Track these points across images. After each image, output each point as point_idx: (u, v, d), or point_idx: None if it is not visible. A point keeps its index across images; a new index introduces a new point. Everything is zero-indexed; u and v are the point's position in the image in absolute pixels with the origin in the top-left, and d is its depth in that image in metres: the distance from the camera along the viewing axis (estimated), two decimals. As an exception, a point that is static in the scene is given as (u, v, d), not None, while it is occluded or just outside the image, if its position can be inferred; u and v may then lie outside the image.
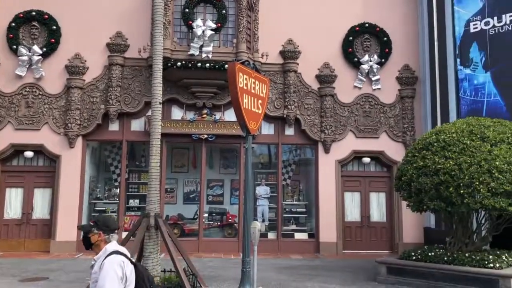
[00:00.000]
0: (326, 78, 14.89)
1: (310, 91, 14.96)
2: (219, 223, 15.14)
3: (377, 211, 15.02)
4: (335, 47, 15.27)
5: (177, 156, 16.09)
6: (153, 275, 7.47)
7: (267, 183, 15.30)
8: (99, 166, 15.69)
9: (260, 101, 8.41)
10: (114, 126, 14.46)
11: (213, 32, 13.73)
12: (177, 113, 14.62)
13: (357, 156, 15.03)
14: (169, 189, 15.41)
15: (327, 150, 14.75)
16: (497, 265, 8.67)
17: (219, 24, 13.91)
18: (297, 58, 14.83)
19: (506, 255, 9.34)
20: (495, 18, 13.28)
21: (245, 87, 7.86)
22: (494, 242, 10.94)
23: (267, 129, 14.99)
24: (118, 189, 14.50)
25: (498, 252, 9.47)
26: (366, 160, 15.00)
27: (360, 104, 15.10)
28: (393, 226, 14.74)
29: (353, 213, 14.98)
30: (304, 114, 14.85)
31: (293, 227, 15.01)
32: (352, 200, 15.02)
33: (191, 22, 13.76)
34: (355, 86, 15.18)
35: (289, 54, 14.77)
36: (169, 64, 13.46)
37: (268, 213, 15.13)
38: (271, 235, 14.73)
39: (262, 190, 15.15)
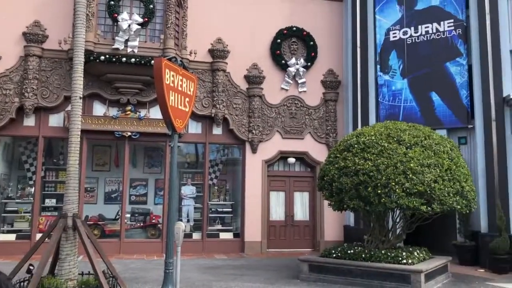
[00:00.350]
0: (254, 78, 15.02)
1: (239, 91, 15.01)
2: (142, 224, 14.71)
3: (301, 210, 15.41)
4: (264, 48, 15.45)
5: (98, 154, 15.41)
6: (69, 278, 7.08)
7: (193, 182, 15.13)
8: (12, 164, 14.60)
9: (187, 99, 8.26)
10: (29, 121, 13.54)
11: (140, 27, 13.33)
12: (99, 109, 14.00)
13: (283, 156, 15.32)
14: (89, 189, 14.71)
15: (254, 150, 14.88)
16: (410, 261, 9.20)
17: (146, 19, 13.53)
18: (226, 58, 14.81)
19: (418, 251, 9.95)
20: (412, 28, 14.15)
21: (171, 84, 7.68)
22: (407, 239, 11.64)
23: (195, 128, 14.82)
24: (33, 188, 13.59)
25: (410, 249, 10.06)
26: (291, 160, 15.34)
27: (287, 106, 15.41)
28: (315, 224, 15.20)
29: (277, 212, 15.24)
30: (232, 113, 14.86)
31: (219, 227, 14.97)
32: (277, 200, 15.29)
33: (116, 15, 13.24)
34: (282, 88, 15.46)
35: (218, 53, 14.71)
36: (92, 58, 12.87)
37: (194, 213, 14.96)
38: (196, 236, 14.58)
39: (188, 190, 14.95)
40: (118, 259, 12.23)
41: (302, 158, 15.49)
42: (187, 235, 14.00)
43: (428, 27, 13.88)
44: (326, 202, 12.65)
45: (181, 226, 7.68)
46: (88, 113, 13.65)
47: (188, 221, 14.77)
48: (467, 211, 9.92)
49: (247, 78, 15.08)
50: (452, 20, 13.53)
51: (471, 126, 12.93)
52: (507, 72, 12.41)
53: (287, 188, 15.38)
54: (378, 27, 14.83)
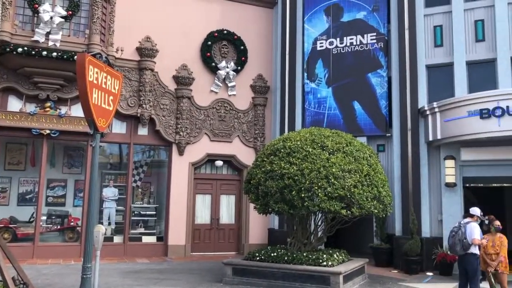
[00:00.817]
0: (183, 79, 14.83)
1: (167, 91, 14.74)
2: (59, 227, 13.92)
3: (227, 213, 15.42)
4: (194, 50, 15.32)
5: (12, 152, 14.36)
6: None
7: (116, 184, 14.59)
8: None
9: (111, 98, 7.96)
10: None
11: (63, 20, 12.66)
12: (15, 104, 13.08)
13: (210, 159, 15.25)
14: (0, 189, 13.69)
15: (181, 152, 14.67)
16: (330, 263, 9.52)
17: (70, 12, 12.89)
18: (154, 57, 14.48)
19: (337, 253, 10.33)
20: (338, 39, 14.73)
21: (95, 81, 7.36)
22: (328, 242, 12.06)
23: (119, 128, 14.33)
24: None
25: (331, 251, 10.42)
26: (219, 163, 15.31)
27: (216, 109, 15.38)
28: (240, 227, 15.28)
29: (203, 216, 15.13)
30: (159, 114, 14.56)
31: (142, 230, 14.56)
32: (203, 203, 15.18)
33: (37, 5, 12.49)
34: (212, 91, 15.41)
35: (147, 51, 14.35)
36: (8, 49, 12.04)
37: (116, 216, 14.42)
38: (117, 239, 14.06)
39: (110, 192, 14.39)
40: (31, 264, 11.48)
41: (230, 161, 15.52)
42: (108, 239, 13.48)
43: (352, 39, 14.53)
44: (251, 205, 12.77)
45: (101, 229, 7.38)
46: (2, 108, 12.73)
47: (109, 224, 14.21)
48: (384, 215, 10.45)
49: (176, 78, 14.85)
50: (374, 34, 14.28)
51: (389, 134, 13.69)
52: (423, 85, 13.31)
53: (213, 191, 15.33)
54: (306, 36, 15.27)
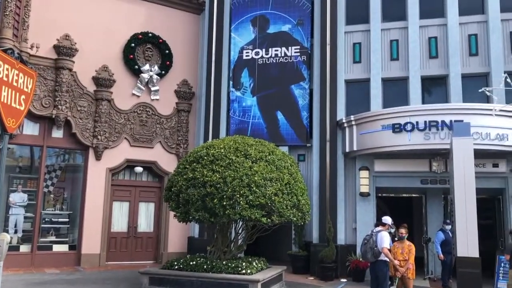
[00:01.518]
0: (104, 81, 14.24)
1: (85, 92, 14.07)
2: (-43, 235, 12.65)
3: (145, 221, 14.97)
4: (116, 51, 14.79)
5: None
6: None
7: (25, 189, 13.57)
8: None
9: (23, 97, 7.44)
10: None
11: (-30, 9, 11.66)
12: None
13: (130, 165, 14.75)
14: None
15: (98, 157, 14.04)
16: (249, 271, 9.55)
17: (-21, 1, 11.91)
18: (73, 56, 13.77)
19: (257, 261, 10.40)
20: (264, 50, 14.98)
21: (5, 78, 6.85)
22: (248, 250, 12.12)
23: (31, 129, 13.41)
24: None
25: (250, 259, 10.47)
26: (139, 169, 14.86)
27: (138, 113, 14.94)
28: (159, 236, 14.90)
29: (120, 223, 14.56)
30: (76, 116, 13.84)
31: (53, 238, 13.67)
32: (121, 210, 14.61)
33: None
34: (134, 94, 14.96)
35: (65, 50, 13.61)
36: None
37: (24, 223, 13.41)
38: (25, 248, 13.08)
39: (18, 197, 13.36)
40: None
41: (151, 167, 15.12)
42: (14, 248, 12.49)
43: (277, 50, 14.85)
44: (171, 213, 12.50)
45: (6, 238, 6.83)
46: None
47: (16, 232, 13.19)
48: (302, 223, 10.71)
49: (95, 80, 14.23)
50: (298, 47, 14.71)
51: (310, 145, 14.13)
52: (342, 99, 13.92)
53: (132, 198, 14.82)
54: (233, 45, 15.37)
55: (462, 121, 11.01)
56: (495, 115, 9.51)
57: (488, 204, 13.68)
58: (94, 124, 14.05)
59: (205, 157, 10.02)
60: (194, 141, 15.57)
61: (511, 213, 12.07)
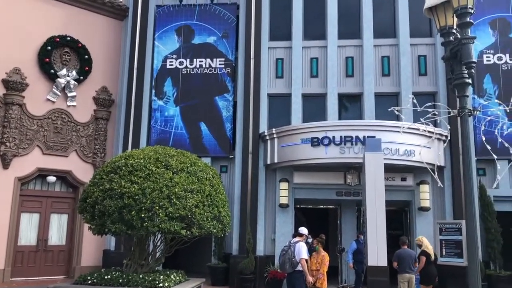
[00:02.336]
0: (15, 84, 13.37)
1: (-7, 96, 13.12)
2: None
3: (57, 234, 14.14)
4: (31, 53, 13.97)
5: None
6: None
7: None
8: None
9: None
10: None
11: None
12: None
13: (42, 174, 13.89)
14: None
15: (6, 165, 13.09)
16: (166, 284, 9.33)
17: None
18: (-20, 56, 12.80)
19: (175, 274, 10.19)
20: (188, 60, 14.92)
21: None
22: (167, 262, 11.87)
23: None
24: None
25: (168, 272, 10.23)
26: (52, 179, 14.04)
27: (52, 119, 14.16)
28: (72, 249, 14.13)
29: (28, 236, 13.62)
30: (-19, 121, 12.84)
31: (-51, 253, 12.48)
32: (30, 222, 13.68)
33: None
34: (49, 99, 14.19)
35: (-29, 49, 12.62)
36: None
37: None
38: None
39: None
40: None
41: (65, 177, 14.34)
42: None
43: (202, 61, 14.86)
44: (86, 225, 11.93)
45: None
46: None
47: None
48: (222, 235, 10.70)
49: (5, 83, 13.31)
50: (223, 59, 14.83)
51: (232, 156, 14.24)
52: (264, 112, 14.23)
53: (43, 209, 13.94)
54: (156, 53, 15.15)
55: (374, 137, 11.71)
56: (403, 132, 10.24)
57: (397, 216, 14.60)
58: (2, 129, 13.11)
59: (123, 168, 9.69)
60: (112, 151, 15.03)
61: (417, 224, 12.98)
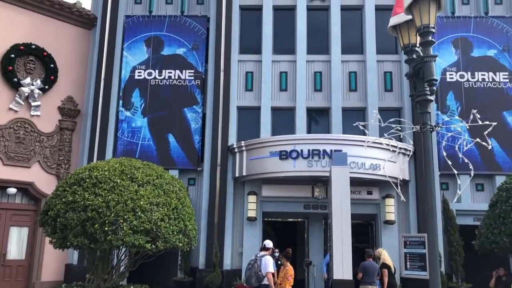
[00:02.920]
0: (-25, 92, 12.93)
1: (-49, 104, 12.63)
2: None
3: (17, 248, 13.62)
4: (-7, 61, 13.56)
5: None
6: None
7: None
8: None
9: None
10: None
11: None
12: None
13: (1, 185, 13.40)
14: None
15: (-37, 176, 12.59)
16: (130, 299, 9.14)
17: None
18: None
19: (139, 288, 10.01)
20: (157, 71, 14.80)
21: None
22: (131, 277, 11.61)
23: None
24: None
25: (132, 287, 10.03)
26: (12, 190, 13.55)
27: (14, 129, 13.74)
28: (32, 264, 13.63)
29: (-14, 251, 13.09)
30: None
31: None
32: (-13, 236, 13.16)
33: None
34: (11, 109, 13.77)
35: None
36: None
37: None
38: None
39: None
40: None
41: (26, 189, 13.88)
42: None
43: (171, 72, 14.77)
44: (48, 239, 11.56)
45: None
46: None
47: None
48: (188, 249, 10.56)
49: (-35, 90, 12.87)
50: (193, 71, 14.79)
51: (200, 169, 14.13)
52: (233, 124, 14.23)
53: (2, 222, 13.40)
54: (125, 64, 14.96)
55: (341, 151, 11.86)
56: (367, 146, 10.43)
57: (363, 229, 14.77)
58: (-40, 139, 12.63)
59: (87, 180, 9.47)
60: (77, 162, 14.66)
61: (383, 237, 13.16)
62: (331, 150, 12.25)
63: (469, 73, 14.42)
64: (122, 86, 14.81)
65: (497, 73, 14.36)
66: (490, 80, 14.33)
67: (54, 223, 9.36)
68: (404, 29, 6.58)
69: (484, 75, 14.37)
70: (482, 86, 14.30)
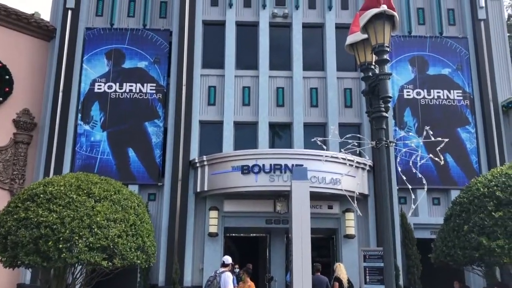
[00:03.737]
0: None
1: None
2: None
3: (-35, 268, 12.93)
4: None
5: None
6: None
7: None
8: None
9: None
10: None
11: None
12: None
13: (-51, 201, 12.76)
14: None
15: None
16: (85, 319, 8.83)
17: None
18: None
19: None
20: (117, 84, 14.53)
21: None
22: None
23: None
24: None
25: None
26: (-39, 207, 12.91)
27: (-35, 142, 13.16)
28: (-18, 284, 12.98)
29: None
30: None
31: None
32: None
33: None
34: (-38, 121, 13.20)
35: None
36: None
37: None
38: None
39: None
40: None
41: (-24, 204, 13.26)
42: None
43: (132, 86, 14.56)
44: None
45: None
46: None
47: None
48: (146, 266, 10.35)
49: None
50: (154, 84, 14.64)
51: (161, 184, 13.90)
52: (195, 139, 14.13)
53: (-51, 240, 12.72)
54: (84, 76, 14.65)
55: (302, 165, 11.94)
56: (327, 161, 10.58)
57: (325, 243, 14.87)
58: None
59: (41, 195, 9.18)
60: (32, 177, 14.13)
61: (343, 251, 13.29)
62: (293, 165, 12.33)
63: (425, 90, 14.86)
64: (81, 99, 14.47)
65: (452, 91, 14.87)
66: (445, 97, 14.82)
67: (5, 240, 9.01)
68: (361, 47, 6.77)
69: (439, 92, 14.85)
70: (437, 103, 14.77)
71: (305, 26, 15.19)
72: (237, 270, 10.22)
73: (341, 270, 10.36)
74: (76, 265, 9.55)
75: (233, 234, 14.74)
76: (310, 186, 10.82)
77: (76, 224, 8.77)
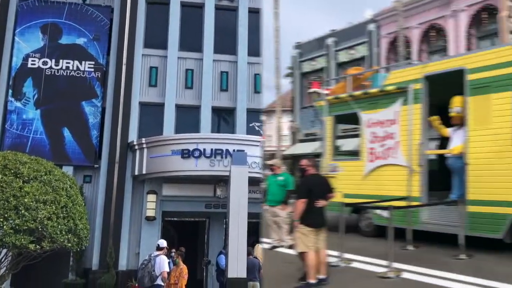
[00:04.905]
0: None
1: None
2: None
3: None
4: None
5: None
6: None
7: None
8: None
9: None
10: None
11: None
12: None
13: None
14: None
15: None
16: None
17: None
18: None
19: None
20: (53, 60, 13.83)
21: None
22: (16, 279, 10.72)
23: None
24: None
25: (13, 291, 9.28)
26: None
27: None
28: None
29: None
30: None
31: None
32: None
33: None
34: None
35: None
36: None
37: None
38: None
39: None
40: None
41: None
42: None
43: (69, 63, 13.92)
44: None
45: None
46: None
47: None
48: (78, 249, 10.00)
49: None
50: (93, 62, 14.06)
51: (97, 166, 13.47)
52: (135, 120, 13.78)
53: None
54: (17, 50, 13.81)
55: (243, 151, 11.99)
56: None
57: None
58: None
59: (-37, 175, 8.59)
60: (-44, 155, 13.22)
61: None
62: (234, 150, 12.32)
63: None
64: (13, 74, 13.64)
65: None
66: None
67: None
68: None
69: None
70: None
71: (251, 11, 15.13)
72: (173, 254, 10.14)
73: (259, 252, 10.51)
74: (1, 248, 9.08)
75: (172, 218, 14.60)
76: (249, 172, 10.96)
77: (1, 205, 8.30)
